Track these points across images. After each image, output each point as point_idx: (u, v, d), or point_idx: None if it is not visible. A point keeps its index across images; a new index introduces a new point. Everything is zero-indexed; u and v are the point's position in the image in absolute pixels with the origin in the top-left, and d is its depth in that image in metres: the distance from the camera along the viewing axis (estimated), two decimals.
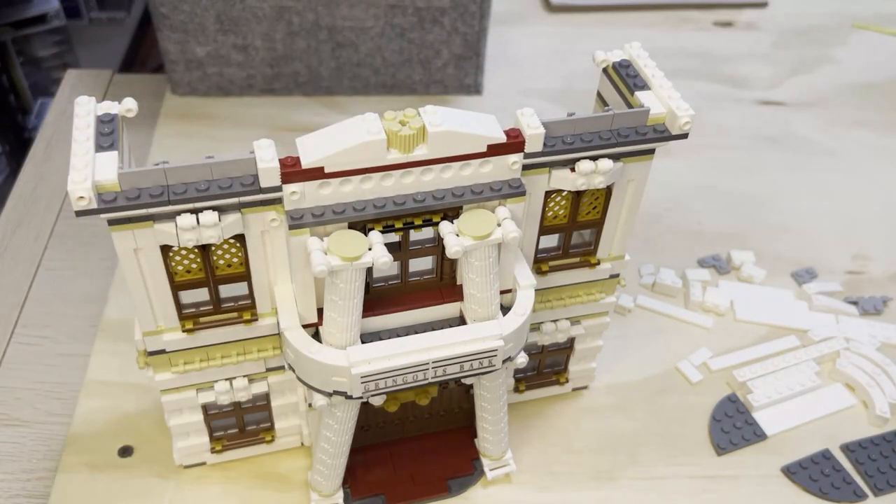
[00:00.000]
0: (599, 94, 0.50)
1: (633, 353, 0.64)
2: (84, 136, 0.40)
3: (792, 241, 0.74)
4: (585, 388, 0.62)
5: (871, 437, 0.59)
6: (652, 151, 0.46)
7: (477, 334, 0.45)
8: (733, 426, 0.59)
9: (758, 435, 0.59)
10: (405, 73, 0.85)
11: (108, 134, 0.40)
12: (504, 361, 0.46)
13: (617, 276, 0.53)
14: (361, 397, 0.44)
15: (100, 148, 0.39)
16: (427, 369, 0.44)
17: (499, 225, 0.43)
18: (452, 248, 0.41)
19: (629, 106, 0.46)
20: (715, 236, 0.74)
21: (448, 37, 0.83)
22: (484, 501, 0.54)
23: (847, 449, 0.58)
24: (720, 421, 0.59)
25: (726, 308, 0.67)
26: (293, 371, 0.46)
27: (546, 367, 0.60)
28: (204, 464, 0.55)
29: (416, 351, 0.44)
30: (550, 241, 0.51)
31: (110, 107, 0.42)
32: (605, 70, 0.48)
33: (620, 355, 0.64)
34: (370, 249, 0.41)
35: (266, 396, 0.52)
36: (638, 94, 0.45)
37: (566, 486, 0.55)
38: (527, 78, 0.92)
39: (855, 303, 0.68)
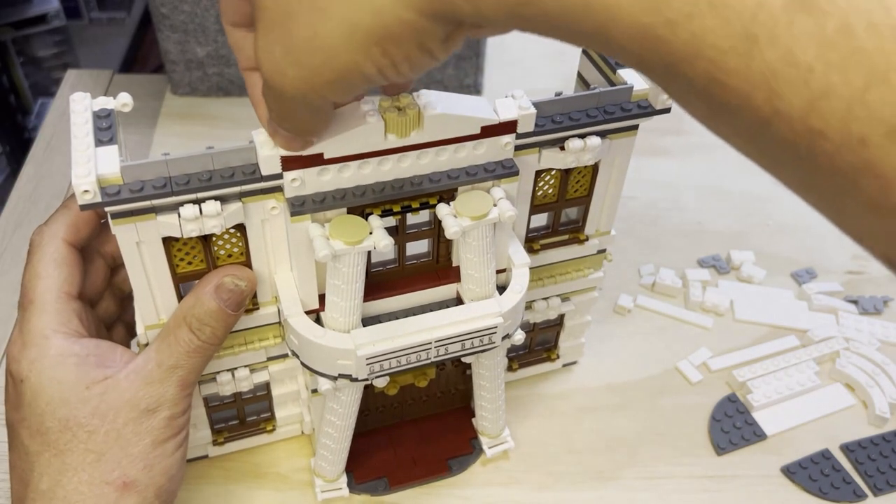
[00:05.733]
0: (580, 75, 0.50)
1: (633, 353, 0.64)
2: (83, 132, 0.40)
3: (792, 241, 0.74)
4: (575, 363, 0.63)
5: (871, 436, 0.59)
6: (636, 127, 0.47)
7: (477, 312, 0.46)
8: (733, 426, 0.59)
9: (758, 435, 0.59)
10: None
11: (106, 129, 0.40)
12: (503, 338, 0.47)
13: (604, 251, 0.55)
14: (367, 379, 0.45)
15: (99, 142, 0.39)
16: (430, 349, 0.45)
17: (494, 205, 0.43)
18: (451, 228, 0.42)
19: (611, 84, 0.47)
20: (715, 236, 0.74)
21: None
22: (484, 501, 0.54)
23: (847, 449, 0.58)
24: (720, 421, 0.59)
25: (726, 308, 0.67)
26: (297, 357, 0.46)
27: (537, 344, 0.61)
28: (206, 457, 0.55)
29: (419, 331, 0.45)
30: (540, 219, 0.52)
31: (106, 102, 0.42)
32: (584, 50, 0.49)
33: (620, 355, 0.64)
34: (370, 233, 0.41)
35: (267, 386, 0.53)
36: (620, 72, 0.46)
37: (566, 486, 0.55)
38: (527, 78, 0.92)
39: (855, 302, 0.68)
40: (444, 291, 0.48)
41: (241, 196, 0.41)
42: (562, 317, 0.59)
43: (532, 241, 0.52)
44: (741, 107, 0.24)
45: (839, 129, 0.22)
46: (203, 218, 0.40)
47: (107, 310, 0.49)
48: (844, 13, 0.22)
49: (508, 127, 0.42)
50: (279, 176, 0.40)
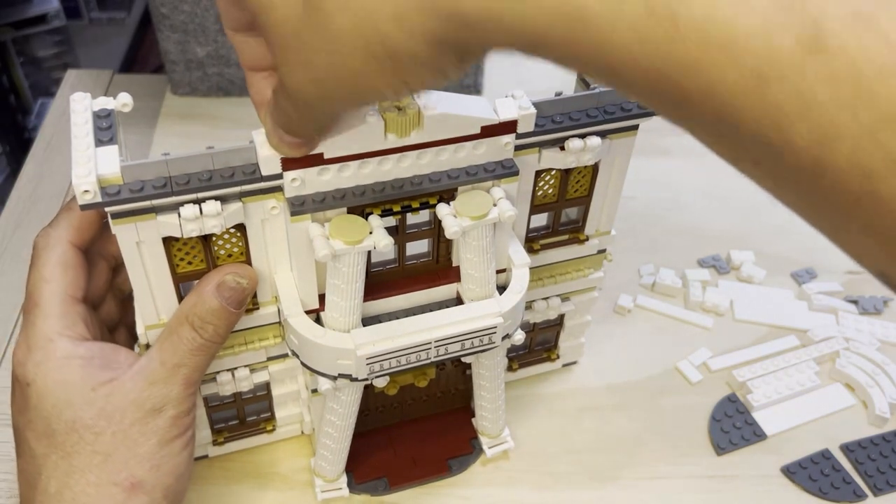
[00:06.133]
0: (580, 75, 0.50)
1: (633, 353, 0.64)
2: (83, 132, 0.40)
3: (792, 241, 0.74)
4: (575, 363, 0.63)
5: (871, 436, 0.59)
6: (636, 127, 0.48)
7: (476, 312, 0.46)
8: (733, 426, 0.59)
9: (757, 435, 0.59)
10: None
11: (106, 129, 0.40)
12: (503, 338, 0.47)
13: (604, 251, 0.55)
14: (366, 379, 0.45)
15: (99, 142, 0.39)
16: (430, 348, 0.45)
17: (494, 205, 0.43)
18: (451, 228, 0.42)
19: None
20: (715, 236, 0.73)
21: None
22: (484, 501, 0.54)
23: (847, 449, 0.58)
24: (720, 421, 0.59)
25: (726, 308, 0.67)
26: (297, 357, 0.46)
27: (537, 344, 0.61)
28: (206, 457, 0.55)
29: (419, 331, 0.45)
30: (540, 219, 0.52)
31: (106, 102, 0.42)
32: None
33: (620, 355, 0.64)
34: (370, 233, 0.41)
35: (267, 386, 0.53)
36: None
37: (566, 486, 0.55)
38: (527, 78, 0.92)
39: (855, 302, 0.68)
40: (444, 291, 0.48)
41: (241, 196, 0.41)
42: (562, 317, 0.59)
43: (532, 241, 0.52)
44: (751, 139, 0.25)
45: (846, 162, 0.23)
46: (203, 218, 0.40)
47: (109, 312, 0.49)
48: (853, 56, 0.22)
49: (508, 127, 0.42)
50: (279, 176, 0.40)
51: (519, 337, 0.50)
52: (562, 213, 0.52)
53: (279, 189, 0.41)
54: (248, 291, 0.45)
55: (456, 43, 0.29)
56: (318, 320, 0.46)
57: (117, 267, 0.49)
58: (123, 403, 0.42)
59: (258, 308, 0.47)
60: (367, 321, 0.46)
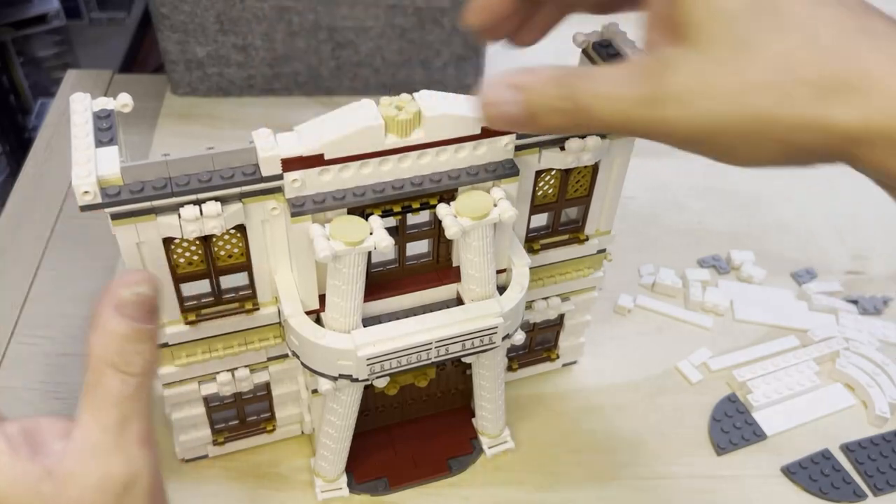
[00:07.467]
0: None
1: (633, 353, 0.64)
2: (83, 133, 0.40)
3: (792, 241, 0.74)
4: (575, 362, 0.63)
5: (871, 436, 0.59)
6: None
7: (477, 313, 0.46)
8: (733, 426, 0.59)
9: (757, 435, 0.59)
10: (405, 73, 0.85)
11: (106, 129, 0.40)
12: (503, 338, 0.47)
13: (604, 251, 0.55)
14: (367, 380, 0.45)
15: (99, 143, 0.40)
16: (430, 349, 0.45)
17: (495, 205, 0.43)
18: (451, 229, 0.42)
19: None
20: (715, 236, 0.73)
21: (448, 37, 0.83)
22: (484, 501, 0.54)
23: (847, 449, 0.58)
24: (720, 421, 0.59)
25: (726, 308, 0.67)
26: (297, 358, 0.46)
27: (537, 344, 0.61)
28: (206, 456, 0.55)
29: (419, 331, 0.45)
30: (540, 219, 0.52)
31: (106, 102, 0.42)
32: (584, 51, 0.49)
33: (620, 355, 0.64)
34: (371, 234, 0.41)
35: (267, 386, 0.53)
36: None
37: (566, 486, 0.55)
38: None
39: (855, 302, 0.68)
40: (445, 292, 0.48)
41: (241, 197, 0.41)
42: (562, 316, 0.59)
43: (532, 241, 0.52)
44: None
45: None
46: (203, 219, 0.40)
47: None
48: None
49: None
50: (279, 177, 0.40)
51: (519, 337, 0.50)
52: (562, 213, 0.52)
53: (279, 190, 0.41)
54: (153, 296, 0.36)
55: (836, 150, 0.30)
56: (318, 321, 0.46)
57: None
58: (82, 496, 0.33)
59: (258, 308, 0.47)
60: (368, 321, 0.46)
